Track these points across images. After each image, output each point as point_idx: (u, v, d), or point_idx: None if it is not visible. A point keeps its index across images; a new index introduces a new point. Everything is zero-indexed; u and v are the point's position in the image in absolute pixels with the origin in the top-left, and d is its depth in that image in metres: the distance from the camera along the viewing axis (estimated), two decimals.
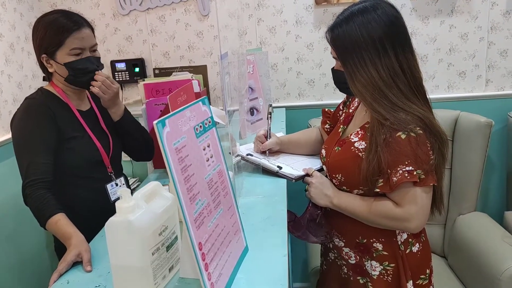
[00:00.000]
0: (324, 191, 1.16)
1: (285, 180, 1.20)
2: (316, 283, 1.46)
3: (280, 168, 1.23)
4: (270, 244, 0.83)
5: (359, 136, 1.13)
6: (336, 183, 1.17)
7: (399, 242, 1.15)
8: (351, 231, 1.18)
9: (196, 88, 1.78)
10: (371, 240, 1.16)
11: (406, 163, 1.00)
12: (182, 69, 2.15)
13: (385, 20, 1.05)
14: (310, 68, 2.15)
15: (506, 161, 2.07)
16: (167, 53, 2.19)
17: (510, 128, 1.98)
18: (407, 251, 1.15)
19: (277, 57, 2.16)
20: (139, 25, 2.17)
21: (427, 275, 1.19)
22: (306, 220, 1.18)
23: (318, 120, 1.99)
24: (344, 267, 1.25)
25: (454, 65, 2.10)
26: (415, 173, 1.00)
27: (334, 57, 1.14)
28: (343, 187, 1.16)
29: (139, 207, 0.68)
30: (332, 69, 1.21)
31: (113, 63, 2.20)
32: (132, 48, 2.20)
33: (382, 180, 1.04)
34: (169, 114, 0.61)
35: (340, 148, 1.17)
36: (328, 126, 1.40)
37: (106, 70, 2.22)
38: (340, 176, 1.15)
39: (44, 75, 1.40)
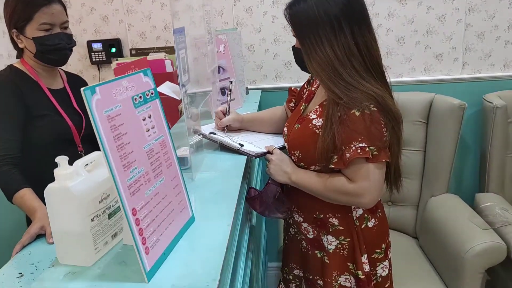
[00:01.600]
0: (283, 168, 1.17)
1: (244, 157, 1.21)
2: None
3: (242, 145, 1.23)
4: (217, 214, 0.84)
5: (317, 113, 1.14)
6: (294, 160, 1.19)
7: (354, 218, 1.18)
8: (309, 207, 1.21)
9: (169, 68, 1.78)
10: (328, 216, 1.19)
11: (360, 139, 1.02)
12: (158, 49, 2.13)
13: None
14: (287, 49, 2.14)
15: (480, 144, 2.08)
16: (143, 34, 2.18)
17: (484, 111, 1.99)
18: (363, 226, 1.19)
19: (254, 38, 2.15)
20: (115, 5, 2.15)
21: (383, 249, 1.22)
22: (267, 196, 1.19)
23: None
24: (303, 241, 1.28)
25: (431, 47, 2.10)
26: (367, 149, 1.02)
27: (293, 35, 1.14)
28: (301, 163, 1.17)
29: (78, 174, 0.69)
30: (293, 47, 1.21)
31: (89, 43, 2.18)
32: (109, 28, 2.18)
33: (336, 156, 1.06)
34: (101, 82, 0.62)
35: (299, 126, 1.18)
36: (293, 105, 1.41)
37: (83, 50, 2.20)
38: (298, 152, 1.16)
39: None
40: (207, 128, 1.36)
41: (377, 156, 1.03)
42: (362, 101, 1.02)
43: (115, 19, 2.17)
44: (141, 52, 2.16)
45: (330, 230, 1.20)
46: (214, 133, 1.31)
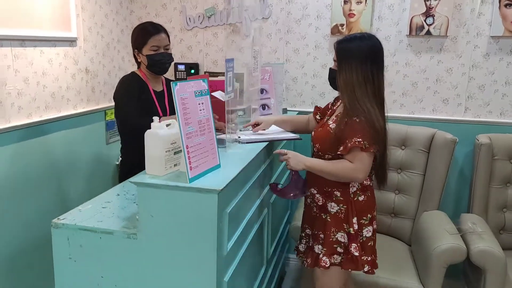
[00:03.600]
0: (298, 159, 1.72)
1: (263, 145, 1.81)
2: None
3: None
4: (232, 165, 1.45)
5: (333, 121, 1.75)
6: (315, 150, 1.80)
7: (350, 192, 1.76)
8: (321, 183, 1.78)
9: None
10: (333, 189, 1.76)
11: (358, 136, 1.60)
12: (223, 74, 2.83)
13: (372, 45, 1.67)
14: (322, 83, 2.75)
15: (472, 173, 2.50)
16: (216, 61, 2.90)
17: (476, 147, 2.42)
18: (355, 198, 1.76)
19: (298, 72, 2.78)
20: (198, 38, 2.91)
21: (368, 218, 1.79)
22: (296, 186, 1.78)
23: None
24: (314, 207, 1.85)
25: (439, 92, 2.59)
26: (362, 142, 1.60)
27: (334, 59, 1.75)
28: (319, 152, 1.77)
29: (162, 127, 1.35)
30: (330, 69, 1.82)
31: (176, 64, 2.94)
32: (191, 55, 2.94)
33: (342, 146, 1.64)
34: (181, 80, 1.27)
35: (321, 129, 1.79)
36: (319, 117, 1.99)
37: (170, 69, 2.97)
38: (318, 145, 1.77)
39: (136, 63, 2.13)
40: (244, 136, 1.94)
41: (368, 147, 1.61)
42: (361, 113, 1.61)
43: (196, 49, 2.92)
44: (213, 74, 2.88)
45: (334, 199, 1.76)
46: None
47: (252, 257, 1.80)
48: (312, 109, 2.87)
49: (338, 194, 1.77)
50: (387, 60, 2.60)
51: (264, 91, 2.32)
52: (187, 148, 1.28)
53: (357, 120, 1.62)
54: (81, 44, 2.50)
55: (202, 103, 1.37)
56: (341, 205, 1.77)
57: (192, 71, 2.92)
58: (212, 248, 1.30)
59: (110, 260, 1.39)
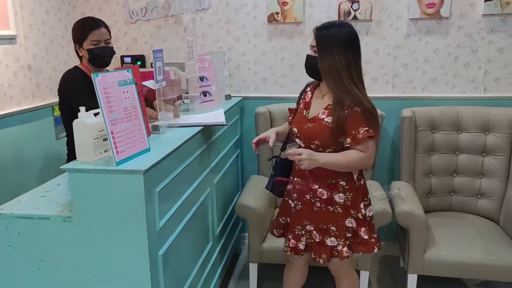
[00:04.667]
0: (313, 159, 1.67)
1: (196, 129, 1.95)
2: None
3: None
4: (163, 148, 1.59)
5: (326, 114, 1.73)
6: (314, 147, 1.75)
7: (355, 178, 1.79)
8: (324, 177, 1.76)
9: (172, 77, 2.56)
10: (338, 180, 1.77)
11: (363, 125, 1.65)
12: (171, 64, 2.94)
13: (350, 31, 1.70)
14: (263, 69, 2.90)
15: (399, 144, 2.71)
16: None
17: (400, 120, 2.63)
18: (358, 183, 1.81)
19: (240, 59, 2.92)
20: (142, 31, 3.00)
21: (368, 198, 1.88)
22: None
23: (263, 108, 2.74)
24: (318, 202, 1.80)
25: (369, 72, 2.78)
26: (370, 130, 1.65)
27: (312, 45, 1.74)
28: (320, 148, 1.74)
29: (89, 116, 1.47)
30: (308, 55, 1.78)
31: (122, 57, 3.02)
32: (136, 47, 3.03)
33: (349, 138, 1.67)
34: (102, 72, 1.39)
35: (313, 124, 1.76)
36: (290, 118, 1.98)
37: (117, 62, 3.05)
38: (317, 141, 1.74)
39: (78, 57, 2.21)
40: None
41: (375, 134, 1.67)
42: (360, 102, 1.65)
43: (141, 41, 3.01)
44: None
45: (341, 189, 1.77)
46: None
47: (194, 233, 1.95)
48: (256, 94, 3.05)
49: (344, 183, 1.77)
50: None
51: (205, 78, 2.45)
52: (112, 134, 1.41)
53: (359, 110, 1.65)
54: (22, 41, 2.55)
55: (127, 92, 1.50)
56: (347, 193, 1.78)
57: (139, 62, 3.01)
58: (142, 224, 1.43)
59: (48, 244, 1.50)
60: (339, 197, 1.79)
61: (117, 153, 1.42)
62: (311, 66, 1.76)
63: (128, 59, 3.02)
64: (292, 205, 1.90)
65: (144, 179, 1.40)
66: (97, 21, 2.15)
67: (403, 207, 2.26)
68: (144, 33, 3.00)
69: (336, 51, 1.66)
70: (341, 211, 1.79)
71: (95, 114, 1.50)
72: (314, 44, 1.73)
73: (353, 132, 1.67)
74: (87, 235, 1.47)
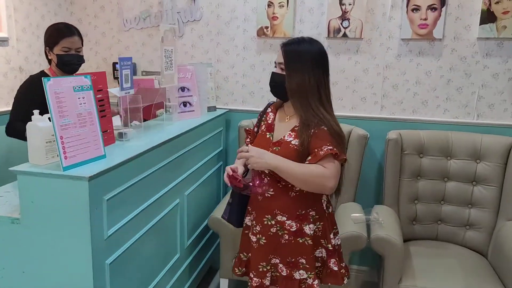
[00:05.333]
0: (262, 157, 1.53)
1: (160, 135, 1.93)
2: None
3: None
4: (122, 155, 1.57)
5: (292, 136, 1.61)
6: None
7: (324, 207, 1.67)
8: (292, 208, 1.62)
9: (157, 85, 2.56)
10: (308, 210, 1.63)
11: (328, 144, 1.52)
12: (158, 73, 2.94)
13: (320, 48, 1.60)
14: (251, 83, 2.88)
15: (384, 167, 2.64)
16: (152, 60, 3.02)
17: (386, 143, 2.55)
18: (327, 212, 1.69)
19: (229, 72, 2.90)
20: (135, 39, 3.02)
21: (336, 226, 1.77)
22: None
23: (247, 121, 2.71)
24: (285, 235, 1.64)
25: (357, 91, 2.73)
26: (334, 149, 1.52)
27: (279, 62, 1.60)
28: None
29: (43, 120, 1.46)
30: (273, 73, 1.65)
31: (114, 64, 3.05)
32: (128, 54, 3.05)
33: (310, 157, 1.54)
34: (56, 76, 1.39)
35: (279, 148, 1.62)
36: (248, 140, 1.84)
37: (109, 69, 3.07)
38: None
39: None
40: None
41: (339, 155, 1.53)
42: (327, 122, 1.54)
43: (134, 49, 3.04)
44: (150, 73, 2.99)
45: (311, 220, 1.63)
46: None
47: (155, 244, 1.91)
48: (243, 107, 3.02)
49: (314, 213, 1.65)
50: None
51: (186, 89, 2.44)
52: (61, 139, 1.39)
53: (325, 128, 1.55)
54: (14, 44, 2.60)
55: (83, 97, 1.49)
56: (318, 223, 1.66)
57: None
58: (86, 232, 1.41)
59: None
60: (309, 228, 1.65)
61: (66, 158, 1.40)
62: (277, 85, 1.63)
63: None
64: (254, 240, 1.72)
65: (89, 185, 1.38)
66: (71, 28, 2.17)
67: (379, 233, 2.18)
68: (137, 41, 3.02)
69: (306, 69, 1.56)
70: (311, 242, 1.65)
71: (50, 118, 1.49)
72: (281, 61, 1.60)
73: (315, 150, 1.54)
74: (34, 238, 1.46)
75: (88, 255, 1.43)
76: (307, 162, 1.56)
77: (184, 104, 2.43)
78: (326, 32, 2.66)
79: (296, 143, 1.59)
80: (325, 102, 1.61)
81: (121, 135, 1.80)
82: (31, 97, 2.04)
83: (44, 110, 1.93)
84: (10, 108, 2.56)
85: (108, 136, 1.71)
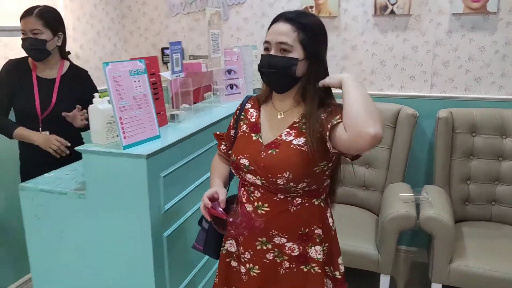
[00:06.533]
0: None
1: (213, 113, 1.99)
2: None
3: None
4: (175, 135, 1.65)
5: (293, 134, 1.25)
6: (283, 182, 1.22)
7: (330, 224, 1.35)
8: (293, 226, 1.28)
9: (204, 69, 2.63)
10: (312, 228, 1.28)
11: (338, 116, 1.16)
12: (205, 57, 3.01)
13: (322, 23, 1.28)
14: None
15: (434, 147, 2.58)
16: (199, 45, 3.09)
17: (436, 121, 2.49)
18: (334, 228, 1.37)
19: None
20: (182, 24, 3.09)
21: (340, 248, 1.40)
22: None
23: None
24: (285, 262, 1.30)
25: (406, 70, 2.67)
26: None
27: (279, 42, 1.21)
28: (290, 183, 1.21)
29: (103, 102, 1.56)
30: (272, 55, 1.23)
31: (162, 49, 3.14)
32: (176, 39, 3.13)
33: (338, 116, 1.15)
34: (113, 61, 1.47)
35: (277, 150, 1.24)
36: (224, 147, 1.51)
37: (157, 53, 3.16)
38: (288, 173, 1.20)
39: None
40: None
41: None
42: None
43: (181, 34, 3.11)
44: (196, 57, 3.07)
45: (317, 240, 1.29)
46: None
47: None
48: None
49: (320, 231, 1.30)
50: (356, 40, 2.70)
51: (232, 71, 2.49)
52: (120, 120, 1.48)
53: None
54: (70, 32, 2.74)
55: (139, 81, 1.57)
56: (324, 244, 1.32)
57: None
58: (145, 206, 1.50)
59: (66, 218, 1.63)
60: (315, 252, 1.30)
61: (125, 138, 1.49)
62: (283, 71, 1.22)
63: (167, 51, 3.13)
64: (243, 271, 1.35)
65: (147, 163, 1.46)
66: (30, 9, 1.93)
67: (428, 212, 2.15)
68: (184, 26, 3.09)
69: (323, 48, 1.26)
70: (319, 270, 1.30)
71: (109, 101, 1.59)
72: (285, 39, 1.20)
73: (328, 127, 1.16)
74: (98, 212, 1.57)
75: (148, 228, 1.52)
76: (337, 120, 1.15)
77: (231, 86, 2.48)
78: (372, 10, 2.61)
79: (300, 143, 1.23)
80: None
81: (173, 117, 1.87)
82: (3, 85, 1.99)
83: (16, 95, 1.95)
84: None
85: (161, 118, 1.79)
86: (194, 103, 2.29)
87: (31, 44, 1.92)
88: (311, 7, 2.72)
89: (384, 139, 2.58)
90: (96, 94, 1.58)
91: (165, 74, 1.84)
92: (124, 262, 1.58)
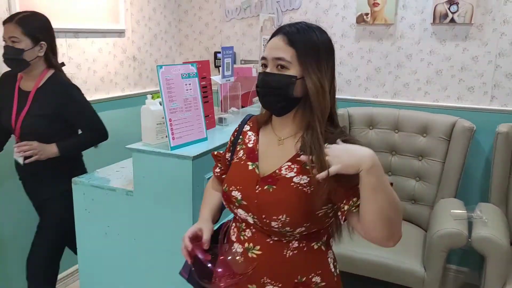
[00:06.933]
0: (357, 154, 0.93)
1: None
2: None
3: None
4: (221, 138, 1.67)
5: (295, 170, 1.07)
6: (277, 225, 1.05)
7: (332, 269, 1.15)
8: (288, 274, 1.10)
9: (254, 73, 2.66)
10: (310, 276, 1.11)
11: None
12: (256, 62, 3.04)
13: (330, 40, 1.13)
14: (348, 71, 2.84)
15: (491, 163, 2.43)
16: (251, 50, 3.12)
17: (496, 136, 2.36)
18: (336, 274, 1.17)
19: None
20: (235, 29, 3.14)
21: None
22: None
23: (342, 110, 2.68)
24: None
25: (464, 81, 2.55)
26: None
27: (276, 58, 1.06)
28: (286, 228, 1.05)
29: (155, 104, 1.62)
30: (266, 73, 1.08)
31: (215, 53, 3.21)
32: (229, 44, 3.19)
33: (355, 198, 0.98)
34: (168, 64, 1.52)
35: (274, 187, 1.07)
36: (219, 170, 1.31)
37: (210, 57, 3.23)
38: (284, 216, 1.03)
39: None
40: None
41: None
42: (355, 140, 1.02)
43: (234, 38, 3.17)
44: (248, 62, 3.10)
45: None
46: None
47: None
48: (339, 95, 2.98)
49: (319, 279, 1.12)
50: (412, 48, 2.62)
51: None
52: (170, 121, 1.53)
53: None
54: (129, 35, 2.87)
55: (190, 84, 1.61)
56: None
57: None
58: (189, 206, 1.54)
59: (114, 213, 1.70)
60: None
61: (173, 139, 1.54)
62: (278, 89, 1.06)
63: (219, 55, 3.19)
64: None
65: (193, 164, 1.50)
66: (13, 15, 1.80)
67: (482, 232, 2.04)
68: (237, 31, 3.14)
69: (324, 67, 1.07)
70: None
71: (160, 103, 1.65)
72: (282, 55, 1.05)
73: (358, 185, 0.96)
74: (144, 209, 1.63)
75: (190, 227, 1.55)
76: (354, 207, 1.00)
77: None
78: (431, 18, 2.52)
79: (302, 182, 1.06)
80: (334, 114, 1.11)
81: (220, 120, 1.91)
82: None
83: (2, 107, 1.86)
84: (125, 93, 2.86)
85: (210, 121, 1.83)
86: (242, 107, 2.32)
87: (6, 53, 1.78)
88: (366, 14, 2.67)
89: (437, 151, 2.51)
90: (149, 96, 1.64)
91: (216, 78, 1.88)
92: (166, 259, 1.62)
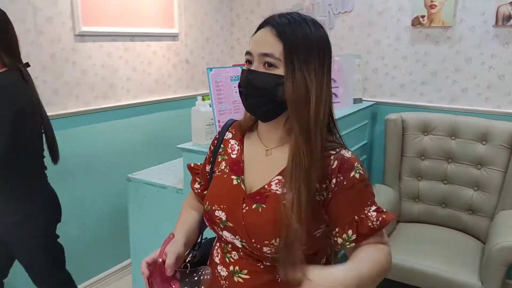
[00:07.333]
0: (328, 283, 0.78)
1: None
2: None
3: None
4: None
5: (276, 182, 0.94)
6: (269, 251, 0.91)
7: None
8: None
9: None
10: None
11: (369, 202, 0.92)
12: None
13: (326, 34, 0.97)
14: (402, 75, 2.75)
15: None
16: None
17: None
18: None
19: (378, 63, 2.82)
20: None
21: None
22: None
23: (395, 114, 2.60)
24: None
25: None
26: (381, 208, 0.92)
27: (264, 54, 0.91)
28: (255, 245, 0.92)
29: (204, 105, 1.65)
30: (252, 71, 0.94)
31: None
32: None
33: (351, 231, 0.89)
34: (217, 67, 1.55)
35: (264, 206, 0.93)
36: (199, 186, 1.16)
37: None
38: (278, 241, 0.89)
39: None
40: None
41: (389, 217, 0.92)
42: (353, 163, 0.92)
43: None
44: None
45: None
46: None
47: None
48: (392, 100, 2.88)
49: None
50: (472, 52, 2.49)
51: (333, 80, 2.46)
52: (218, 122, 1.55)
53: (357, 176, 0.93)
54: (183, 38, 2.95)
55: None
56: None
57: None
58: None
59: (165, 210, 1.75)
60: None
61: None
62: (264, 90, 0.92)
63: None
64: None
65: None
66: None
67: None
68: None
69: (314, 68, 0.91)
70: None
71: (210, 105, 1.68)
72: (270, 51, 0.90)
73: (355, 218, 0.90)
74: None
75: None
76: (351, 243, 0.91)
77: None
78: (493, 20, 2.38)
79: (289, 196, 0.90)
80: (331, 120, 1.00)
81: None
82: None
83: None
84: (177, 95, 2.94)
85: None
86: None
87: None
88: (423, 16, 2.57)
89: (498, 160, 2.37)
90: (199, 97, 1.68)
91: None
92: None
